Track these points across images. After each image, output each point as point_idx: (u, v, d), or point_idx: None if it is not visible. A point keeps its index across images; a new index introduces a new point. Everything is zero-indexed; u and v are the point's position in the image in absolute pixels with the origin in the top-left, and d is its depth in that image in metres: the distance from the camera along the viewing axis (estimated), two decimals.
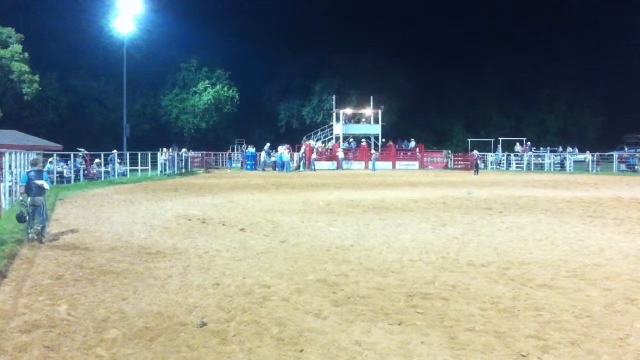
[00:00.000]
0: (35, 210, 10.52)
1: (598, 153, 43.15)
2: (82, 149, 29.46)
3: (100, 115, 53.79)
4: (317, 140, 50.98)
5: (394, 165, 46.48)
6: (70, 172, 27.28)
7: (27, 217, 10.56)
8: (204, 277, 7.89)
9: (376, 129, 50.83)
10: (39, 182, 10.70)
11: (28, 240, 10.48)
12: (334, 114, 51.96)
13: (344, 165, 45.98)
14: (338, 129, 50.67)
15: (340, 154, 46.53)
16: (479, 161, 40.38)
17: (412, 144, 49.59)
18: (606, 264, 8.65)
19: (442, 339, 5.45)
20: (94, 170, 29.52)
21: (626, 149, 50.72)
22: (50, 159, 26.53)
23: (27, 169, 12.79)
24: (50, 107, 51.27)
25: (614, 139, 58.76)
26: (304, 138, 50.86)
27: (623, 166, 40.81)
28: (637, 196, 20.07)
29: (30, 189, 10.70)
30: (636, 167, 39.28)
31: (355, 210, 15.91)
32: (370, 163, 45.16)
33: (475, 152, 41.59)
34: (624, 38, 65.81)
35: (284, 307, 6.47)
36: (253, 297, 6.89)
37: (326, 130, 52.94)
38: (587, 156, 42.45)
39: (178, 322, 5.92)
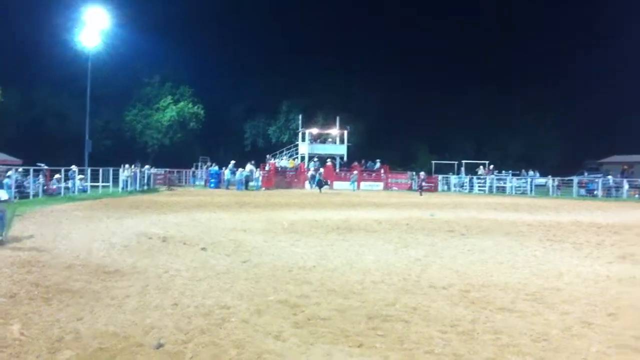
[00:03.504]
0: None
1: (559, 177, 43.96)
2: (43, 164, 28.94)
3: (62, 130, 52.94)
4: (282, 159, 51.00)
5: (358, 186, 46.59)
6: (30, 187, 26.76)
7: None
8: (162, 297, 7.75)
9: (342, 149, 51.08)
10: None
11: None
12: (300, 134, 52.06)
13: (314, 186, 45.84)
14: (304, 148, 50.76)
15: (311, 173, 46.45)
16: (423, 183, 41.36)
17: (378, 164, 49.85)
18: (565, 288, 8.75)
19: None
20: (54, 186, 29.00)
21: (586, 174, 51.73)
22: (8, 172, 25.97)
23: None
24: (11, 122, 50.36)
25: (574, 164, 59.94)
26: (268, 157, 50.80)
27: (583, 191, 41.61)
28: (595, 221, 20.44)
29: None
30: (595, 192, 40.08)
31: (319, 231, 15.88)
32: (350, 183, 45.30)
33: (422, 173, 42.69)
34: (586, 65, 67.47)
35: (243, 328, 6.39)
36: (212, 318, 6.78)
37: (292, 150, 52.99)
38: (548, 180, 43.22)
39: (134, 343, 5.79)
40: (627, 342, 6.07)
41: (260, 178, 43.95)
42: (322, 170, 45.28)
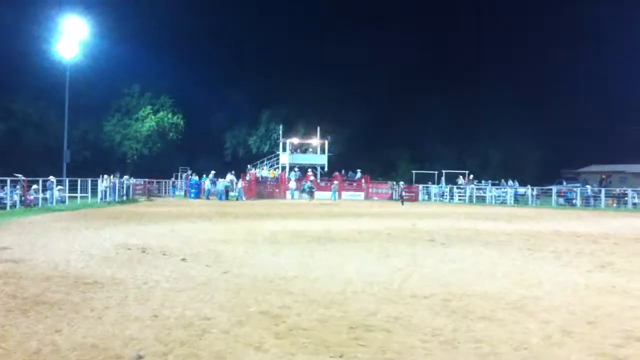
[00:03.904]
0: None
1: (538, 187, 44.34)
2: (20, 175, 28.60)
3: (39, 140, 52.42)
4: (263, 168, 50.98)
5: (339, 196, 46.65)
6: (7, 198, 26.45)
7: None
8: (142, 309, 7.66)
9: (323, 159, 51.14)
10: None
11: None
12: (281, 144, 52.07)
13: (296, 196, 45.93)
14: (285, 158, 50.76)
15: (292, 184, 46.54)
16: (404, 192, 41.76)
17: (359, 174, 49.98)
18: (544, 297, 8.79)
19: None
20: (32, 197, 28.68)
21: (565, 183, 52.28)
22: None
23: None
24: None
25: (553, 174, 60.54)
26: (249, 167, 50.71)
27: (562, 200, 42.03)
28: (575, 229, 20.62)
29: None
30: (574, 202, 40.47)
31: (300, 241, 15.85)
32: (331, 193, 45.21)
33: (401, 183, 43.17)
34: (565, 75, 68.32)
35: (224, 339, 6.33)
36: (192, 329, 6.72)
37: (272, 160, 52.97)
38: (527, 190, 43.59)
39: (114, 355, 5.72)
40: (607, 351, 6.11)
41: (243, 189, 43.80)
42: (312, 178, 45.12)
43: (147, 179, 48.37)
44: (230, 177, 44.73)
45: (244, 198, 42.79)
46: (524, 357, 5.86)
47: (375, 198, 48.28)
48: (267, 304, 8.11)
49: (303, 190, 41.83)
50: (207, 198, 42.92)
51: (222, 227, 19.94)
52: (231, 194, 43.49)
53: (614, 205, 39.41)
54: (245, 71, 64.74)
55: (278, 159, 52.18)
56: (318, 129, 51.46)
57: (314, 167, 50.70)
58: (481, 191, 46.54)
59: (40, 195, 29.31)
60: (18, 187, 28.15)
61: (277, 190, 47.25)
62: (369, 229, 19.53)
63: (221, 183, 42.72)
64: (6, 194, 26.80)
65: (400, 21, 73.74)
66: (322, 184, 48.69)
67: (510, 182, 48.07)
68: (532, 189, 43.42)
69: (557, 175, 60.25)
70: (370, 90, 65.82)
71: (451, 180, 49.97)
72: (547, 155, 67.95)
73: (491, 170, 64.20)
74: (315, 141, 52.16)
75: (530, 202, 42.20)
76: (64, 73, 40.64)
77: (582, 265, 12.06)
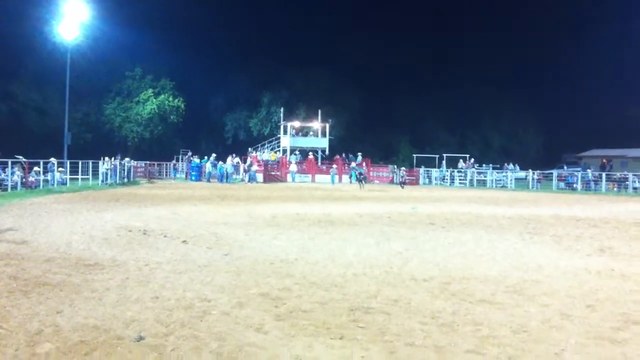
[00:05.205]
0: None
1: (539, 171, 44.33)
2: (21, 157, 28.59)
3: (40, 123, 52.21)
4: (264, 152, 50.93)
5: (340, 179, 46.66)
6: (8, 180, 26.47)
7: None
8: (143, 290, 7.70)
9: (324, 143, 51.06)
10: None
11: None
12: (282, 127, 51.98)
13: (297, 179, 46.09)
14: (286, 141, 50.70)
15: (293, 167, 46.62)
16: (405, 178, 41.97)
17: (359, 158, 49.95)
18: (544, 281, 8.82)
19: (382, 353, 5.45)
20: (32, 179, 28.69)
21: (565, 167, 52.30)
22: None
23: None
24: None
25: (553, 158, 60.59)
26: (250, 149, 50.63)
27: (562, 184, 42.03)
28: (575, 214, 20.63)
29: None
30: (575, 186, 40.47)
31: (301, 224, 15.87)
32: (330, 177, 45.23)
33: (402, 168, 43.24)
34: (563, 62, 68.12)
35: (224, 321, 6.37)
36: (193, 311, 6.76)
37: (273, 143, 52.90)
38: (528, 174, 43.59)
39: (115, 336, 5.75)
40: (605, 334, 6.15)
41: (256, 170, 43.82)
42: (354, 165, 44.80)
43: (148, 162, 48.33)
44: (231, 159, 44.70)
45: (251, 182, 42.71)
46: (523, 340, 5.89)
47: (376, 182, 48.27)
48: (267, 286, 8.15)
49: (351, 176, 41.47)
50: (208, 181, 42.91)
51: (223, 209, 19.95)
52: (234, 176, 43.58)
53: (615, 189, 39.39)
54: (245, 54, 64.51)
55: (279, 142, 52.11)
56: (319, 112, 51.33)
57: (315, 151, 50.65)
58: (482, 175, 46.52)
59: (41, 177, 29.30)
60: (19, 168, 28.14)
61: (278, 173, 47.29)
62: (370, 213, 19.54)
63: (229, 166, 42.71)
64: (7, 175, 26.81)
65: (400, 7, 73.48)
66: (323, 167, 48.80)
67: (511, 166, 48.07)
68: (533, 173, 43.40)
69: (558, 160, 60.30)
70: (372, 74, 65.66)
71: (452, 164, 49.93)
72: (548, 140, 67.98)
73: (492, 154, 64.20)
74: (316, 124, 52.05)
75: (530, 186, 42.20)
76: (65, 55, 40.41)
77: (582, 250, 12.10)
